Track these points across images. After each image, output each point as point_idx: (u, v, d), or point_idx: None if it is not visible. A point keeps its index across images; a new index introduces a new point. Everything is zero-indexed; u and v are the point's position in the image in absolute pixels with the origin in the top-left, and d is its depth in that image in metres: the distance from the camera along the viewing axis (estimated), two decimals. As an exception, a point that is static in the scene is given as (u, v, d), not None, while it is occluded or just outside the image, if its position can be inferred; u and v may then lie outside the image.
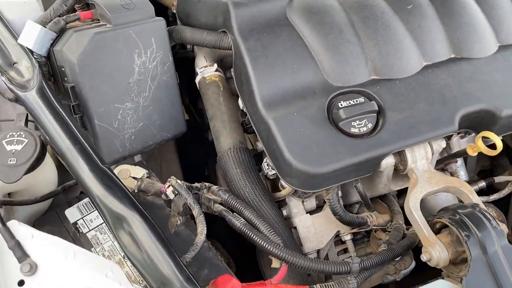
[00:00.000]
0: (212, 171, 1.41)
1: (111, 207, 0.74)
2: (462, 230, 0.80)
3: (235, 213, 0.89)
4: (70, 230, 0.92)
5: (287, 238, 0.92)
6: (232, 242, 1.25)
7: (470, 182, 1.18)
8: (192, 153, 1.48)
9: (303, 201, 1.03)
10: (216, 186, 0.94)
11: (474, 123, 0.96)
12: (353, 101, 0.90)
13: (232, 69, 1.06)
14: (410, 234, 0.96)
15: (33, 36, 0.89)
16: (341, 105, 0.90)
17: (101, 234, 0.91)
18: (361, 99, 0.91)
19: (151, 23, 0.98)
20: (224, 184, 1.24)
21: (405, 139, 0.88)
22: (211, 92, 1.06)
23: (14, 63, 0.89)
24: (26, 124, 0.89)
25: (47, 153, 0.88)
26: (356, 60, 0.94)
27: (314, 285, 0.83)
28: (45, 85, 0.85)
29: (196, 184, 0.94)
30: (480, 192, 1.16)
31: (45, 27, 0.90)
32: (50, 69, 0.93)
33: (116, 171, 0.92)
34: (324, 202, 1.04)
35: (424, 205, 1.01)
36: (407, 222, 0.97)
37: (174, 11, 1.16)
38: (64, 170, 0.88)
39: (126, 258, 0.80)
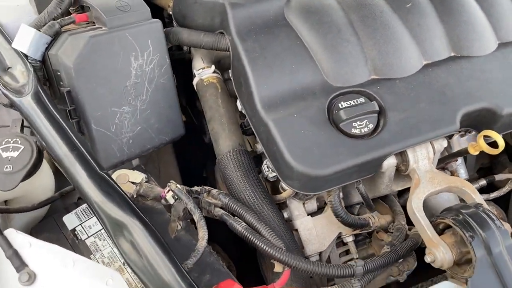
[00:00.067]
0: (211, 173, 1.40)
1: (111, 214, 0.73)
2: (466, 230, 0.80)
3: (236, 217, 0.88)
4: (69, 237, 0.91)
5: (289, 241, 0.91)
6: (232, 245, 1.24)
7: (471, 180, 1.18)
8: (190, 155, 1.47)
9: (304, 203, 1.02)
10: (216, 190, 0.92)
11: (475, 122, 0.95)
12: (354, 102, 0.89)
13: (230, 70, 1.05)
14: (412, 235, 0.95)
15: (28, 40, 0.87)
16: (342, 105, 0.89)
17: (100, 240, 0.90)
18: (362, 100, 0.90)
19: (148, 25, 0.96)
20: (223, 187, 1.23)
21: (407, 139, 0.88)
22: (209, 94, 1.04)
23: (8, 68, 0.87)
24: (21, 130, 0.87)
25: (43, 159, 0.87)
26: (355, 60, 0.93)
27: (318, 289, 0.82)
28: (40, 90, 0.84)
29: (196, 188, 0.92)
30: (480, 190, 1.15)
31: (39, 30, 0.88)
32: (45, 73, 0.91)
33: (114, 176, 0.91)
34: (325, 203, 1.03)
35: (425, 205, 0.99)
36: (409, 222, 0.96)
37: (170, 12, 1.14)
38: (61, 176, 0.86)
39: (126, 264, 0.78)
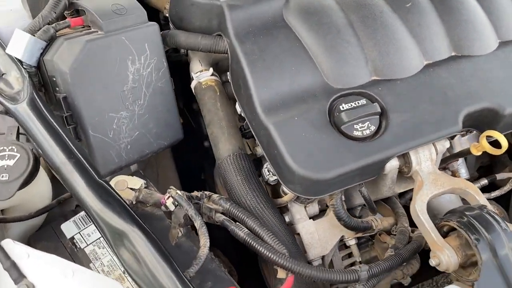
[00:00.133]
0: (209, 176, 1.38)
1: (110, 223, 0.71)
2: (471, 233, 0.79)
3: (237, 223, 0.86)
4: (67, 246, 0.89)
5: (292, 246, 0.90)
6: (232, 249, 1.23)
7: (472, 179, 1.17)
8: (188, 158, 1.45)
9: (305, 207, 1.00)
10: (217, 195, 0.91)
11: (477, 122, 0.94)
12: (355, 103, 0.88)
13: (228, 73, 1.04)
14: (416, 237, 0.94)
15: (22, 45, 0.85)
16: (343, 107, 0.88)
17: (100, 248, 0.88)
18: (363, 101, 0.89)
19: (144, 28, 0.95)
20: (223, 190, 1.22)
21: (409, 141, 0.87)
22: (207, 97, 1.03)
23: (3, 74, 0.85)
24: (17, 138, 0.85)
25: (40, 166, 0.85)
26: (356, 61, 0.92)
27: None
28: (36, 96, 0.82)
29: (196, 193, 0.91)
30: (481, 189, 1.14)
31: (34, 35, 0.87)
32: (40, 79, 0.89)
33: (112, 182, 0.89)
34: (327, 206, 1.02)
35: (427, 206, 0.99)
36: (411, 224, 0.95)
37: (166, 15, 1.13)
38: (58, 182, 0.85)
39: (126, 273, 0.77)
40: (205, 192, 0.92)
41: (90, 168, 0.76)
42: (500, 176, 1.20)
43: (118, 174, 0.94)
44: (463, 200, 1.11)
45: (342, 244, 1.03)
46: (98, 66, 0.89)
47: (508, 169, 1.29)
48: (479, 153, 0.91)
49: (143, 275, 0.71)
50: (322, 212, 1.04)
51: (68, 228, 0.91)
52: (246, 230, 0.85)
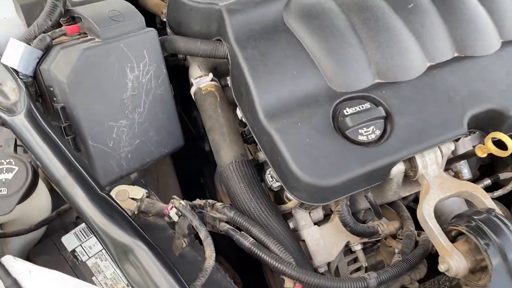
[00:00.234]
0: (209, 179, 1.37)
1: (115, 238, 0.69)
2: (480, 238, 0.77)
3: (242, 232, 0.85)
4: (68, 259, 0.87)
5: (298, 254, 0.88)
6: (234, 254, 1.21)
7: (474, 179, 1.16)
8: (188, 162, 1.44)
9: (309, 212, 0.99)
10: (220, 203, 0.89)
11: (481, 123, 0.93)
12: (359, 108, 0.87)
13: (228, 78, 1.02)
14: (422, 241, 0.93)
15: (18, 55, 0.83)
16: (347, 112, 0.86)
17: (102, 261, 0.87)
18: (367, 105, 0.87)
19: (143, 34, 0.93)
20: (224, 196, 1.20)
21: (415, 145, 0.85)
22: (208, 103, 1.01)
23: (-2, 85, 0.83)
24: (15, 150, 0.83)
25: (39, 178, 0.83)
26: (359, 64, 0.91)
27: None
28: (33, 107, 0.80)
29: (199, 202, 0.89)
30: (484, 189, 1.13)
31: (30, 44, 0.84)
32: (37, 89, 0.87)
33: (113, 192, 0.87)
34: (331, 211, 1.00)
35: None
36: (417, 226, 0.94)
37: (164, 19, 1.11)
38: (57, 193, 0.83)
39: (130, 287, 0.75)
40: (208, 200, 0.90)
41: (91, 181, 0.74)
42: (503, 175, 1.19)
43: (118, 184, 0.92)
44: (465, 200, 1.10)
45: (347, 249, 1.02)
46: (96, 75, 0.87)
47: (510, 168, 1.28)
48: (485, 155, 0.90)
49: (150, 290, 0.69)
50: (326, 216, 1.02)
51: (69, 240, 0.89)
52: (252, 239, 0.83)
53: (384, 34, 0.93)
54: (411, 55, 0.93)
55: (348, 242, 0.98)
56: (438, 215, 1.02)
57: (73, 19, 0.93)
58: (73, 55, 0.84)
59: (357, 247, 0.99)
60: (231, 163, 0.93)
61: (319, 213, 1.00)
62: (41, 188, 0.90)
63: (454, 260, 0.79)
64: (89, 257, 0.87)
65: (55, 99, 0.86)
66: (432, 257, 0.93)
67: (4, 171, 0.78)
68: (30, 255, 0.88)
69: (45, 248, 0.88)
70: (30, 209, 0.87)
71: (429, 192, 0.87)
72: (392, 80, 0.91)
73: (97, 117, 0.88)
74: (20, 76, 0.84)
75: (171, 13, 1.04)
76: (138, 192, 0.89)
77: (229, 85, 1.02)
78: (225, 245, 1.04)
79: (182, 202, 0.83)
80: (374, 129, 0.85)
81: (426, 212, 0.84)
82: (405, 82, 0.91)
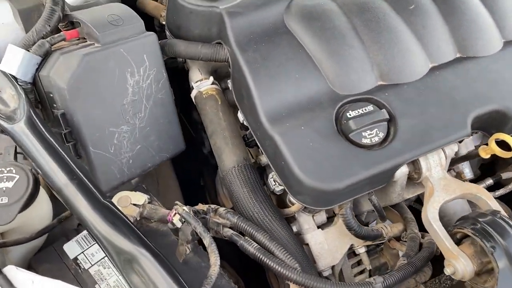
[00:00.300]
0: (209, 181, 1.36)
1: (119, 246, 0.68)
2: (486, 240, 0.77)
3: (246, 237, 0.84)
4: (71, 267, 0.86)
5: (302, 258, 0.88)
6: (237, 258, 1.21)
7: (476, 179, 1.16)
8: (188, 166, 1.43)
9: (313, 216, 0.98)
10: (223, 208, 0.89)
11: (485, 124, 0.93)
12: (362, 110, 0.86)
13: (229, 81, 1.01)
14: (426, 243, 0.93)
15: (16, 61, 0.82)
16: (350, 115, 0.86)
17: (105, 268, 0.86)
18: (370, 107, 0.87)
19: (142, 39, 0.92)
20: (226, 199, 1.20)
21: (419, 147, 0.85)
22: (209, 107, 1.00)
23: (-3, 92, 0.82)
24: (15, 158, 0.82)
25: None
26: (361, 66, 0.90)
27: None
28: (33, 115, 0.79)
29: (202, 207, 0.89)
30: (486, 189, 1.13)
31: (28, 51, 0.83)
32: (36, 95, 0.86)
33: (115, 199, 0.86)
34: (334, 213, 1.00)
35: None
36: (420, 228, 0.94)
37: (163, 22, 1.10)
38: (58, 200, 0.82)
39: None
40: (211, 205, 0.89)
41: (94, 189, 0.73)
42: (505, 175, 1.19)
43: (120, 190, 0.91)
44: (468, 200, 1.10)
45: (351, 252, 1.01)
46: (96, 80, 0.86)
47: (511, 167, 1.28)
48: (488, 156, 0.90)
49: (154, 299, 0.68)
50: (329, 219, 1.02)
51: (71, 248, 0.88)
52: (256, 245, 0.83)
53: (386, 36, 0.92)
54: (413, 57, 0.92)
55: (352, 245, 0.97)
56: (441, 216, 1.01)
57: (71, 24, 0.92)
58: (72, 61, 0.83)
59: (361, 250, 0.99)
60: (234, 167, 0.93)
61: (322, 216, 0.99)
62: (42, 196, 0.88)
63: (460, 263, 0.79)
64: (92, 265, 0.86)
65: (55, 105, 0.85)
66: (434, 258, 0.92)
67: (5, 180, 0.77)
68: (32, 263, 0.87)
69: (47, 256, 0.87)
70: (31, 217, 0.85)
71: (433, 195, 0.86)
72: (394, 82, 0.91)
73: (98, 123, 0.87)
74: (19, 83, 0.83)
75: (170, 16, 1.03)
76: (140, 198, 0.88)
77: (230, 88, 1.02)
78: (227, 249, 1.04)
79: (185, 208, 0.82)
80: (378, 132, 0.85)
81: (431, 215, 0.84)
82: (407, 83, 0.91)
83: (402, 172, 0.87)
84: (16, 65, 0.82)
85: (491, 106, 0.90)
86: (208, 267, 0.78)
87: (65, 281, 0.71)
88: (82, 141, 0.86)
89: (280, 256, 0.81)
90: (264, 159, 0.98)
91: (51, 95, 0.84)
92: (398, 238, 1.00)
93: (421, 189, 0.96)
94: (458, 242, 0.83)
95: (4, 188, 0.76)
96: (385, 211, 1.00)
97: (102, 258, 0.87)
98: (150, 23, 1.25)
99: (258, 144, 0.92)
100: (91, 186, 0.74)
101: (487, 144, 0.88)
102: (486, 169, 1.28)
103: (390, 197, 0.95)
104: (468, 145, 1.05)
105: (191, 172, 1.46)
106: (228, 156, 0.94)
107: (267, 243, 0.83)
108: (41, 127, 0.78)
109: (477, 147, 1.03)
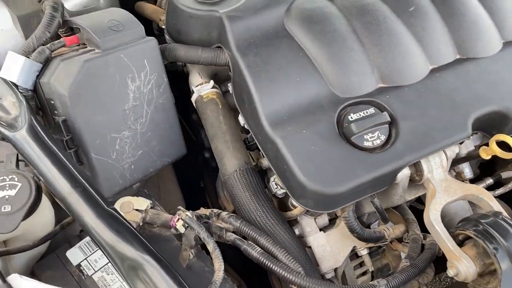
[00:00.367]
0: (209, 183, 1.36)
1: (123, 253, 0.68)
2: (489, 242, 0.77)
3: (249, 242, 0.84)
4: (74, 274, 0.86)
5: (305, 262, 0.88)
6: (239, 259, 1.21)
7: (476, 178, 1.16)
8: (188, 168, 1.43)
9: (315, 218, 0.98)
10: (226, 213, 0.89)
11: (485, 125, 0.93)
12: (364, 113, 0.86)
13: (229, 84, 1.01)
14: (428, 244, 0.93)
15: (17, 68, 0.81)
16: (352, 118, 0.86)
17: (108, 274, 0.86)
18: (371, 110, 0.87)
19: (143, 44, 0.91)
20: (226, 201, 1.20)
21: (421, 149, 0.85)
22: (209, 110, 1.00)
23: (-2, 99, 0.81)
24: (17, 166, 0.82)
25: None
26: (361, 69, 0.90)
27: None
28: (35, 122, 0.78)
29: (204, 212, 0.89)
30: (486, 188, 1.14)
31: (28, 57, 0.83)
32: (37, 102, 0.86)
33: (118, 204, 0.86)
34: (336, 215, 1.00)
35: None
36: (422, 229, 0.94)
37: (163, 26, 1.10)
38: (59, 206, 0.82)
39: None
40: (214, 210, 0.90)
41: (97, 196, 0.73)
42: (505, 174, 1.19)
43: (122, 195, 0.91)
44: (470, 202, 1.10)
45: (353, 254, 1.02)
46: (97, 86, 0.86)
47: (511, 166, 1.29)
48: (489, 157, 0.90)
49: (160, 306, 0.68)
50: (331, 220, 1.02)
51: (74, 254, 0.88)
52: (259, 249, 0.83)
53: (386, 38, 0.92)
54: (413, 59, 0.92)
55: (354, 247, 0.98)
56: (442, 216, 1.02)
57: (71, 29, 0.92)
58: (73, 67, 0.83)
59: (363, 252, 0.99)
60: (235, 171, 0.93)
61: (324, 219, 0.99)
62: (44, 202, 0.88)
63: (463, 265, 0.79)
64: (95, 271, 0.86)
65: (56, 112, 0.84)
66: (435, 258, 0.93)
67: (7, 188, 0.76)
68: (35, 270, 0.87)
69: (50, 263, 0.87)
70: (34, 225, 0.85)
71: (435, 196, 0.87)
72: (395, 84, 0.91)
73: (99, 129, 0.87)
74: (19, 90, 0.82)
75: (170, 20, 1.03)
76: (143, 203, 0.88)
77: (230, 91, 1.02)
78: (230, 252, 1.04)
79: (188, 213, 0.82)
80: (379, 135, 0.85)
81: (433, 216, 0.84)
82: (408, 86, 0.91)
83: (404, 174, 0.87)
84: (16, 72, 0.82)
85: (491, 107, 0.91)
86: (211, 272, 0.79)
87: (69, 289, 0.72)
88: (83, 148, 0.86)
89: (283, 260, 0.81)
90: (265, 162, 0.98)
91: (52, 102, 0.84)
92: (400, 239, 1.00)
93: (423, 191, 0.97)
94: (460, 244, 0.84)
95: (7, 196, 0.76)
96: (386, 213, 1.01)
97: (105, 264, 0.87)
98: (149, 26, 1.25)
99: (260, 148, 0.92)
100: (94, 193, 0.74)
101: (487, 145, 0.88)
102: (485, 168, 1.28)
103: (392, 199, 0.96)
104: (468, 146, 1.05)
105: (191, 174, 1.46)
106: (229, 160, 0.94)
107: (270, 247, 0.83)
108: (43, 134, 0.78)
109: (476, 147, 1.03)
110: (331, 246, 0.96)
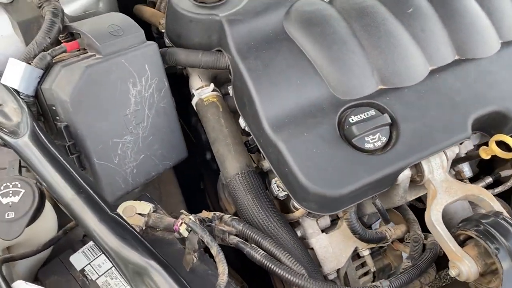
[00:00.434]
0: (209, 185, 1.36)
1: (128, 259, 0.69)
2: (490, 242, 0.78)
3: (252, 245, 0.85)
4: (78, 278, 0.86)
5: (308, 264, 0.89)
6: (239, 259, 1.21)
7: (475, 177, 1.17)
8: (189, 170, 1.43)
9: (317, 220, 0.99)
10: (228, 216, 0.89)
11: (484, 125, 0.94)
12: (364, 115, 0.87)
13: (230, 88, 1.02)
14: (430, 244, 0.93)
15: (18, 75, 0.82)
16: (352, 120, 0.86)
17: (112, 279, 0.86)
18: (372, 112, 0.87)
19: (143, 48, 0.92)
20: (228, 203, 1.20)
21: (421, 150, 0.86)
22: (210, 114, 1.00)
23: (-1, 105, 0.82)
24: (20, 172, 0.82)
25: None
26: (361, 71, 0.91)
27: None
28: (37, 129, 0.79)
29: (207, 215, 0.89)
30: (484, 187, 1.14)
31: (29, 63, 0.83)
32: (39, 108, 0.86)
33: (120, 208, 0.87)
34: (338, 216, 1.01)
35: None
36: (423, 228, 0.95)
37: (162, 30, 1.10)
38: (62, 210, 0.82)
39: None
40: (216, 213, 0.90)
41: (101, 202, 0.73)
42: (504, 173, 1.20)
43: (124, 199, 0.91)
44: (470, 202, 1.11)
45: (355, 254, 1.02)
46: (98, 92, 0.86)
47: (510, 164, 1.29)
48: (489, 157, 0.91)
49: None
50: (332, 222, 1.02)
51: (78, 259, 0.88)
52: (262, 252, 0.83)
53: (386, 40, 0.93)
54: (413, 60, 0.93)
55: (356, 247, 0.98)
56: (443, 216, 1.03)
57: (71, 35, 0.92)
58: (74, 73, 0.83)
59: (365, 252, 1.00)
60: (237, 174, 0.93)
61: (326, 220, 1.00)
62: (47, 207, 0.88)
63: (464, 265, 0.80)
64: (99, 276, 0.86)
65: (58, 118, 0.85)
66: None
67: (10, 194, 0.77)
68: (39, 276, 0.87)
69: (54, 268, 0.87)
70: (37, 230, 0.85)
71: (436, 197, 0.87)
72: (395, 86, 0.91)
73: (101, 134, 0.87)
74: (21, 96, 0.82)
75: (170, 24, 1.03)
76: (145, 207, 0.89)
77: (230, 94, 1.02)
78: (232, 254, 1.04)
79: (191, 217, 0.82)
80: (380, 136, 0.86)
81: (434, 217, 0.85)
82: (408, 87, 0.91)
83: (405, 175, 0.88)
84: (18, 79, 0.82)
85: (490, 107, 0.91)
86: (214, 275, 0.79)
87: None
88: (86, 153, 0.86)
89: (286, 262, 0.82)
90: (266, 164, 0.98)
91: (54, 108, 0.84)
92: (401, 240, 1.01)
93: (423, 191, 0.97)
94: (461, 244, 0.84)
95: (10, 203, 0.76)
96: (387, 213, 1.01)
97: (109, 269, 0.87)
98: (147, 29, 1.25)
99: (261, 151, 0.92)
100: (98, 199, 0.74)
101: (487, 145, 0.89)
102: (484, 167, 1.29)
103: (393, 200, 0.96)
104: (467, 146, 1.06)
105: (191, 176, 1.46)
106: (231, 163, 0.94)
107: (273, 249, 0.84)
108: (46, 140, 0.78)
109: (475, 146, 1.04)
110: (333, 248, 0.97)
